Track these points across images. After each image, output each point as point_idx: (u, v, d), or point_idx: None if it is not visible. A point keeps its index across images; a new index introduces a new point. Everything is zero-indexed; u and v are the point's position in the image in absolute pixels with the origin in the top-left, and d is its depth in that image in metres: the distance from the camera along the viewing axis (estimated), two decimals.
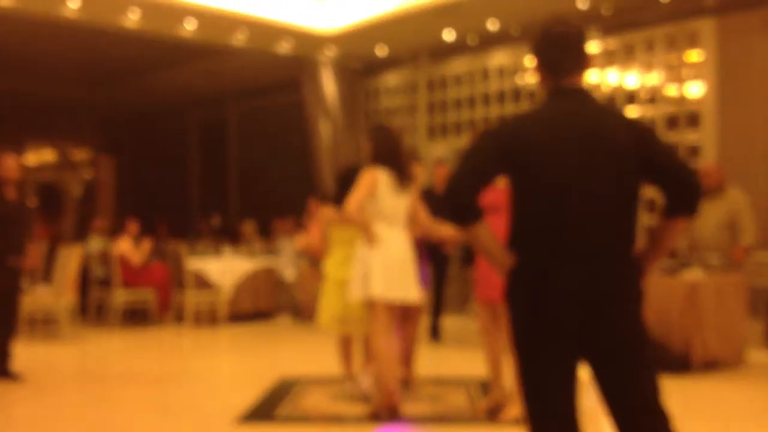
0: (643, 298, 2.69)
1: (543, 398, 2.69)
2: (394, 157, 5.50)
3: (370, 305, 5.41)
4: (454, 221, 2.74)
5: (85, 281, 10.80)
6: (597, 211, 2.61)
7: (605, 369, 2.65)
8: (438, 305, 8.75)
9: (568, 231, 2.60)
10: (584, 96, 2.77)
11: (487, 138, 2.74)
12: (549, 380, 2.67)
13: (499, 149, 2.67)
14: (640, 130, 2.72)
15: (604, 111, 2.81)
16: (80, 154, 16.92)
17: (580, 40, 2.81)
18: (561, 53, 2.77)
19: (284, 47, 11.95)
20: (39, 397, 6.40)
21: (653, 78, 9.71)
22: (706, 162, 8.61)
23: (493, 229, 2.79)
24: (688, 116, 9.28)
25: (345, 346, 6.23)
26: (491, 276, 4.98)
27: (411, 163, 6.07)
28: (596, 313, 2.58)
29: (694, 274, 7.27)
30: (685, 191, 2.69)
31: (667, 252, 3.12)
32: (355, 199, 5.30)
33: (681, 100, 9.37)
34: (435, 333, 8.92)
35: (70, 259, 9.42)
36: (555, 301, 2.60)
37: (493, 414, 5.44)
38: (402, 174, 5.49)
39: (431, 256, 7.19)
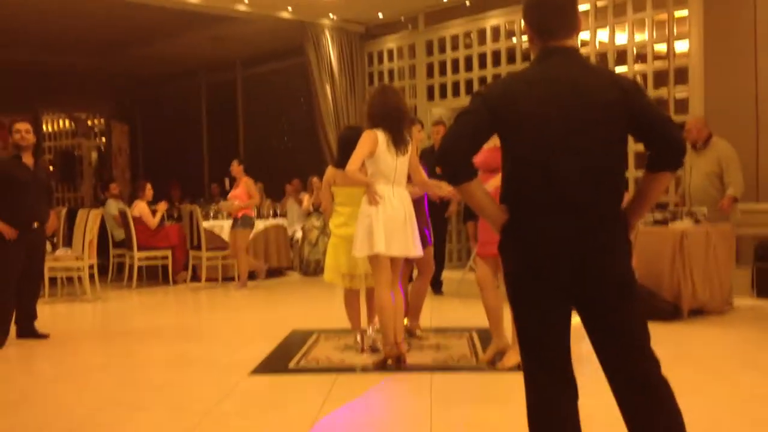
0: (631, 249, 2.77)
1: (537, 346, 2.78)
2: (392, 118, 5.66)
3: (374, 260, 5.63)
4: (448, 180, 2.80)
5: (104, 243, 11.20)
6: (585, 166, 2.65)
7: (596, 316, 2.73)
8: (439, 260, 8.91)
9: (557, 186, 2.65)
10: (572, 55, 2.79)
11: (478, 99, 2.76)
12: (542, 328, 2.75)
13: (488, 110, 2.70)
14: (627, 87, 2.73)
15: (592, 69, 2.86)
16: (94, 122, 17.04)
17: (570, 3, 2.82)
18: (551, 16, 2.78)
19: (287, 12, 12.18)
20: (63, 354, 6.63)
21: (643, 35, 9.88)
22: (693, 116, 8.69)
23: (488, 186, 2.91)
24: (676, 72, 9.42)
25: (351, 299, 6.30)
26: (492, 231, 5.17)
27: (410, 124, 6.31)
28: (586, 264, 2.65)
29: (683, 224, 7.41)
30: (669, 147, 2.71)
31: (652, 205, 3.18)
32: (355, 158, 5.50)
33: (669, 57, 9.51)
34: (437, 286, 9.27)
35: (89, 223, 9.67)
36: (546, 254, 2.67)
37: (494, 362, 5.63)
38: (399, 135, 5.67)
39: (432, 214, 7.47)
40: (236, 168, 10.80)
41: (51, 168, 15.13)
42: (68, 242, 10.70)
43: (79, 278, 9.74)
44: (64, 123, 16.83)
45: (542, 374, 2.78)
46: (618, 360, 2.72)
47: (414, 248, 5.74)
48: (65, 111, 16.17)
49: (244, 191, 10.64)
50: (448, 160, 2.74)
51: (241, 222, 10.51)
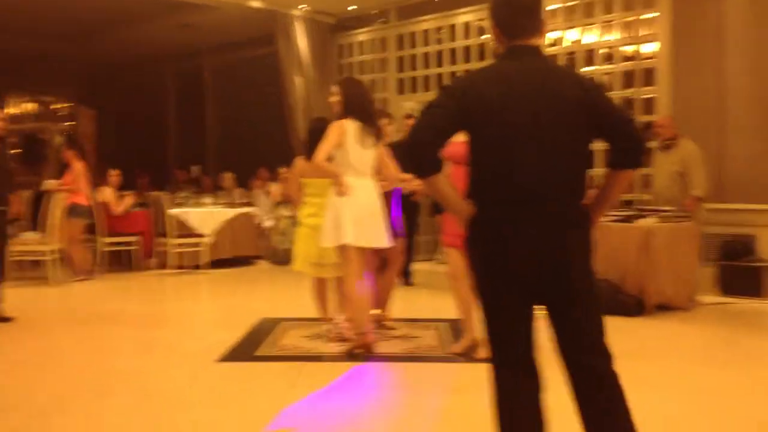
0: (592, 245, 2.84)
1: (500, 339, 2.85)
2: (362, 109, 5.72)
3: (343, 251, 5.67)
4: (414, 173, 2.87)
5: None
6: (548, 162, 2.71)
7: (554, 310, 2.81)
8: (409, 251, 8.97)
9: (521, 181, 2.72)
10: (537, 54, 2.85)
11: (445, 93, 2.82)
12: (505, 321, 2.83)
13: (455, 104, 2.75)
14: (589, 86, 2.81)
15: (556, 68, 2.97)
16: (60, 106, 16.83)
17: (536, 4, 2.88)
18: (517, 16, 2.84)
19: (257, 1, 12.11)
20: (28, 338, 6.60)
21: (612, 36, 9.95)
22: (661, 115, 8.81)
23: (454, 180, 2.90)
24: (643, 73, 9.47)
25: (320, 289, 6.41)
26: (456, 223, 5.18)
27: (380, 117, 6.35)
28: (549, 261, 2.72)
29: (648, 222, 7.48)
30: (630, 145, 2.78)
31: (614, 203, 3.19)
32: (323, 149, 5.53)
33: (637, 58, 9.59)
34: (406, 277, 9.31)
35: (54, 207, 9.61)
36: (510, 249, 2.73)
37: (466, 354, 5.65)
38: (370, 126, 5.72)
39: (402, 205, 7.51)
40: (67, 153, 10.63)
41: (13, 151, 14.87)
42: (33, 226, 10.64)
43: (44, 262, 9.67)
44: (29, 107, 16.60)
45: (504, 366, 2.86)
46: (574, 354, 2.81)
47: (382, 239, 5.78)
48: (30, 94, 15.95)
49: (71, 177, 10.34)
50: (415, 152, 2.78)
51: (69, 211, 10.17)
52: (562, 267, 2.75)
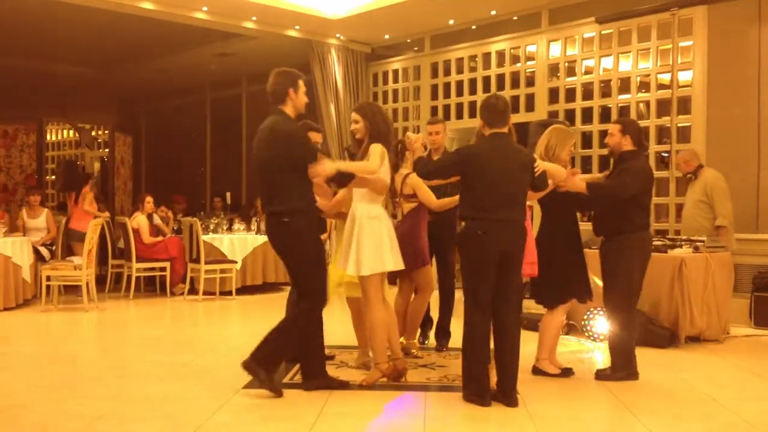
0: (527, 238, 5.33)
1: (479, 299, 5.07)
2: (388, 134, 5.59)
3: (367, 277, 5.49)
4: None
5: (103, 253, 11.28)
6: (510, 195, 5.12)
7: (502, 280, 5.08)
8: (446, 300, 7.38)
9: (497, 206, 5.07)
10: (506, 138, 5.27)
11: (454, 156, 5.37)
12: (486, 287, 5.08)
13: (459, 163, 5.22)
14: (529, 157, 5.30)
15: (514, 145, 5.30)
16: (98, 133, 17.00)
17: (506, 109, 5.27)
18: (495, 115, 5.23)
19: (294, 31, 12.23)
20: (59, 362, 6.61)
21: (647, 64, 9.87)
22: (682, 151, 8.63)
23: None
24: (679, 101, 9.35)
25: (359, 314, 6.22)
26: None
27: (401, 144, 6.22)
28: (508, 247, 5.09)
29: (682, 252, 7.37)
30: (540, 182, 5.34)
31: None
32: (379, 161, 5.36)
33: (673, 86, 9.36)
34: (443, 337, 8.61)
35: (89, 233, 9.64)
36: (489, 244, 5.04)
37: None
38: (396, 153, 5.78)
39: (437, 238, 6.98)
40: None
41: (53, 177, 15.01)
42: (67, 252, 10.77)
43: (78, 287, 9.70)
44: (68, 133, 16.76)
45: (478, 313, 5.09)
46: (502, 307, 5.13)
47: (400, 262, 5.63)
48: (69, 121, 16.12)
49: None
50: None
51: None
52: (515, 253, 5.17)
